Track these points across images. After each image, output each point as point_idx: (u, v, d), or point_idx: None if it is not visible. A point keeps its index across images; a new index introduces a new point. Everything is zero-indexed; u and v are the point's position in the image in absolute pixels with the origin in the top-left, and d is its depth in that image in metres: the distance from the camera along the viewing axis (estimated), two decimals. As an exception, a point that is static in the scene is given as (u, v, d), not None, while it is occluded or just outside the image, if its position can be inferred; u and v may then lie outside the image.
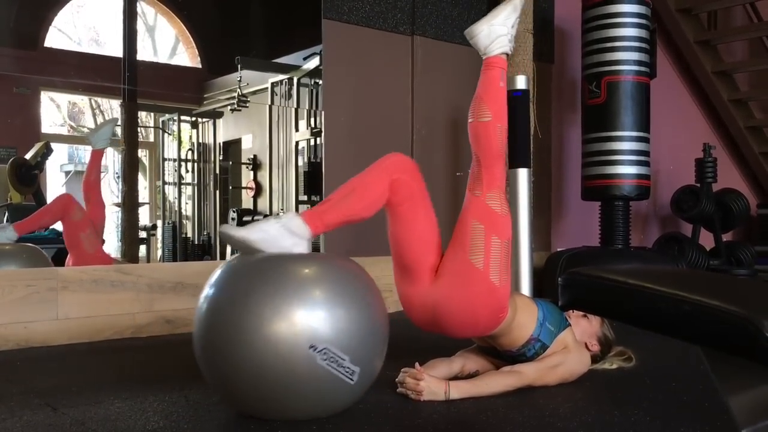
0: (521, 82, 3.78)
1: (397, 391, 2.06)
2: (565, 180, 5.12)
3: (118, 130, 6.21)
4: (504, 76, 2.15)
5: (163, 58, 6.45)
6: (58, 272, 2.96)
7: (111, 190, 5.95)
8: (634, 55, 4.22)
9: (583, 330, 2.37)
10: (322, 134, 4.02)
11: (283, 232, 1.82)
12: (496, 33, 2.11)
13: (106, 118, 6.80)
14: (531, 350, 2.16)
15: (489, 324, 2.07)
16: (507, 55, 2.17)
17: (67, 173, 6.17)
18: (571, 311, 2.43)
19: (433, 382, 2.02)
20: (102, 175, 6.68)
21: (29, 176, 4.78)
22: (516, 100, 3.79)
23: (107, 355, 2.73)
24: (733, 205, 5.21)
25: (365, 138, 3.97)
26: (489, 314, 2.05)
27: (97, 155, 4.39)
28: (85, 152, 7.00)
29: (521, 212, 3.83)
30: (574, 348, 2.24)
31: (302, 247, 1.84)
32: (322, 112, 3.93)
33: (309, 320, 1.66)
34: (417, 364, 2.08)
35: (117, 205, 4.99)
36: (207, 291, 1.78)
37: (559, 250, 4.51)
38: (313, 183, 4.40)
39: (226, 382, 1.74)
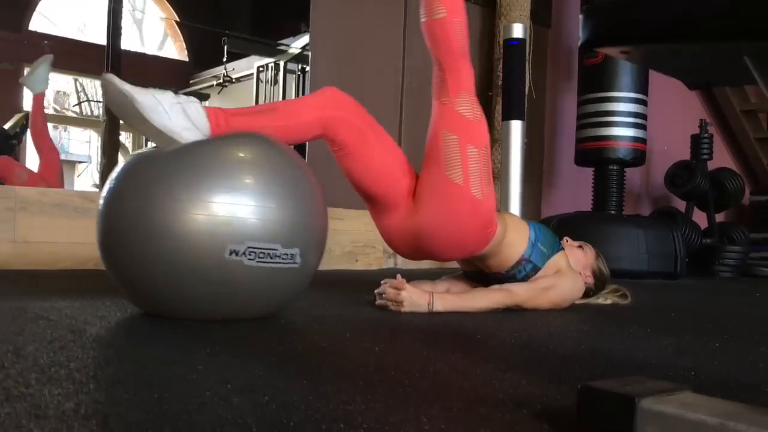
0: (518, 31, 3.63)
1: (376, 304, 1.89)
2: (557, 147, 4.97)
3: (98, 107, 6.09)
4: None
5: (151, 44, 6.40)
6: (15, 191, 2.75)
7: (93, 180, 5.74)
8: (634, 15, 4.08)
9: (577, 260, 2.21)
10: (309, 80, 3.85)
11: (177, 110, 1.54)
12: None
13: (92, 101, 6.63)
14: (521, 272, 1.99)
15: (478, 241, 1.90)
16: None
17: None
18: (565, 240, 2.27)
19: (415, 292, 1.85)
20: (84, 165, 6.51)
21: (7, 145, 4.57)
22: (511, 48, 3.64)
23: (66, 279, 2.53)
24: (728, 183, 5.08)
25: (354, 89, 3.79)
26: (476, 231, 1.88)
27: (38, 99, 4.16)
28: (69, 141, 6.84)
29: (513, 167, 3.67)
30: (567, 272, 2.08)
31: (193, 134, 1.55)
32: (310, 58, 3.75)
33: (225, 212, 1.42)
34: (399, 275, 1.91)
35: (96, 186, 4.79)
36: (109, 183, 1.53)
37: (549, 216, 4.35)
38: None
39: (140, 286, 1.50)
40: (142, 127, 1.55)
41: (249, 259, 1.42)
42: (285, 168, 1.56)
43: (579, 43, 0.71)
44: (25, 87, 4.34)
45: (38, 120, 4.08)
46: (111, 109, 1.59)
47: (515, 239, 1.98)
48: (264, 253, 1.44)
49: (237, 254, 1.41)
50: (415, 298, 1.84)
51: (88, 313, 1.58)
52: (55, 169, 4.08)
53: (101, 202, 1.53)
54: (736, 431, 0.67)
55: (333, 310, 1.87)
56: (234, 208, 1.42)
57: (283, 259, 1.47)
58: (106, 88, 1.55)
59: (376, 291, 1.91)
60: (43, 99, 4.16)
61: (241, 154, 1.52)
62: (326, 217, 1.65)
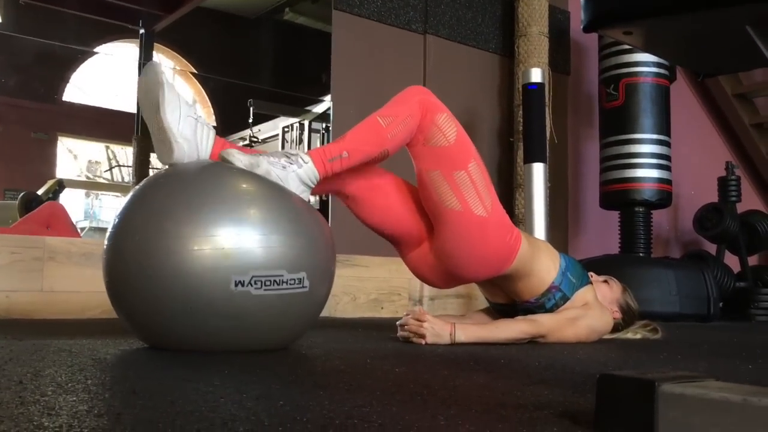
0: (536, 75, 3.66)
1: (398, 335, 1.87)
2: (581, 191, 4.94)
3: (128, 172, 6.28)
4: None
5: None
6: (45, 241, 2.79)
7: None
8: (653, 57, 4.10)
9: (604, 295, 2.17)
10: (331, 130, 3.91)
11: (190, 122, 1.63)
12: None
13: (122, 168, 6.81)
14: (551, 300, 1.96)
15: (503, 253, 1.87)
16: None
17: (82, 229, 6.09)
18: (590, 275, 2.24)
19: (437, 323, 1.83)
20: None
21: (41, 209, 4.69)
22: (530, 93, 3.67)
23: (92, 325, 2.54)
24: (759, 225, 4.99)
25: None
26: (496, 244, 1.86)
27: None
28: (100, 209, 7.00)
29: (537, 210, 3.66)
30: (595, 305, 2.04)
31: (187, 146, 1.62)
32: (331, 106, 3.82)
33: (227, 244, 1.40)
34: (420, 307, 1.89)
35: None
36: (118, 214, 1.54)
37: (576, 261, 4.29)
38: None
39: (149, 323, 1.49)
40: (152, 117, 1.62)
41: (256, 288, 1.41)
42: (284, 195, 1.58)
43: (581, 27, 0.72)
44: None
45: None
46: (138, 95, 1.68)
47: (548, 264, 1.96)
48: (270, 280, 1.42)
49: (243, 285, 1.39)
50: (437, 329, 1.81)
51: (110, 346, 1.58)
52: (67, 227, 4.20)
53: (105, 242, 1.53)
54: (760, 406, 0.64)
55: (355, 344, 1.85)
56: (236, 239, 1.41)
57: (290, 284, 1.45)
58: (148, 74, 1.63)
59: (398, 323, 1.89)
60: None
61: (243, 186, 1.53)
62: (332, 241, 1.64)
